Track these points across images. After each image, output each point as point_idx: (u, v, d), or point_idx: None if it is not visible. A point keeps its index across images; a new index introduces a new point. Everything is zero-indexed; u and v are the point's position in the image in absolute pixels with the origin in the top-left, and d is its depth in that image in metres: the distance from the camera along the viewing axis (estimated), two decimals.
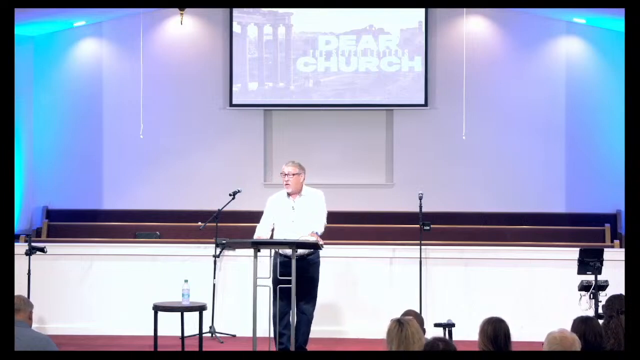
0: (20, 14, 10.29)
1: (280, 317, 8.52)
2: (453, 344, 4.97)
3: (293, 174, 8.67)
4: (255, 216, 9.23)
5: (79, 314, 10.39)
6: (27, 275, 9.58)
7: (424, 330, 5.78)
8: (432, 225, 9.87)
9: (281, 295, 8.46)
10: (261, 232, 8.72)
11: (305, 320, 8.64)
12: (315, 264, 8.69)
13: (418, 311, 8.64)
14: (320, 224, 8.67)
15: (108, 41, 13.74)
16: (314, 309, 8.76)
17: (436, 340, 4.86)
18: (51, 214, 13.66)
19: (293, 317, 8.38)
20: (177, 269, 10.17)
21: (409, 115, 13.54)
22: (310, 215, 8.67)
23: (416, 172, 13.40)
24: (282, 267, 8.48)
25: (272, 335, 8.56)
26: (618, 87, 12.80)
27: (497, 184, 13.39)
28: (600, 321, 6.33)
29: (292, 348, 8.32)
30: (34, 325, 9.72)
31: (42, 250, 9.73)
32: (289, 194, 8.75)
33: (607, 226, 12.76)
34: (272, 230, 8.79)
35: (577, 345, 5.12)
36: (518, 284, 10.16)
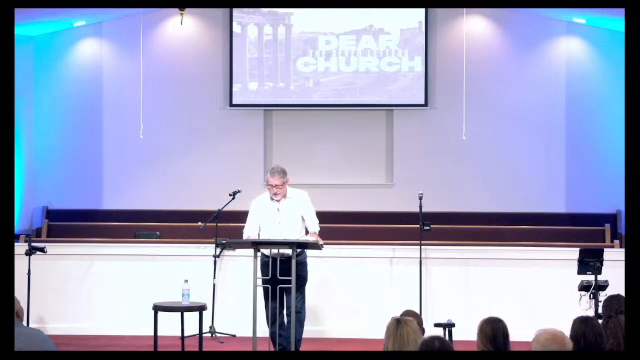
0: (20, 14, 10.30)
1: (273, 319, 8.53)
2: (450, 343, 4.97)
3: (282, 185, 8.65)
4: None
5: (79, 314, 10.40)
6: (27, 275, 9.58)
7: (423, 330, 5.78)
8: (432, 225, 9.88)
9: (272, 296, 8.48)
10: (249, 233, 8.73)
11: (299, 320, 8.64)
12: (303, 264, 8.70)
13: (418, 311, 8.66)
14: (317, 224, 8.71)
15: (108, 41, 13.74)
16: (304, 310, 8.79)
17: (433, 338, 4.86)
18: (51, 214, 13.66)
19: (293, 317, 8.39)
20: (177, 269, 10.17)
21: (409, 115, 13.54)
22: (297, 217, 8.68)
23: (416, 172, 13.40)
24: (265, 267, 8.49)
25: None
26: (618, 87, 12.80)
27: (497, 184, 13.39)
28: (599, 321, 6.33)
29: (292, 347, 8.32)
30: (35, 325, 9.75)
31: (42, 250, 9.73)
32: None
33: (607, 226, 12.77)
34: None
35: (568, 341, 5.13)
36: (518, 284, 10.16)
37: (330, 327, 10.25)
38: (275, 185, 8.63)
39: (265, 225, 8.72)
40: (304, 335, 8.83)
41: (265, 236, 8.66)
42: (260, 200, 8.83)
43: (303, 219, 8.74)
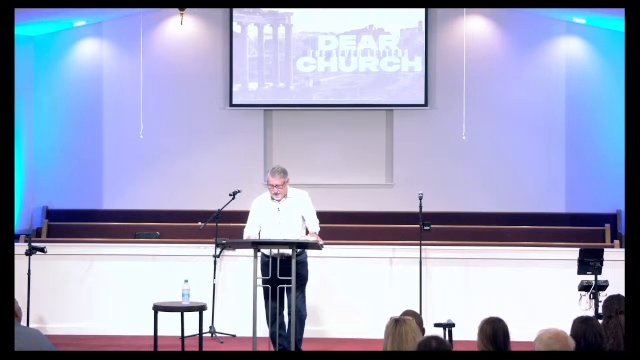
0: (20, 14, 10.29)
1: (273, 319, 8.53)
2: (447, 342, 4.96)
3: (282, 185, 8.65)
4: None
5: (79, 314, 10.39)
6: (27, 275, 9.58)
7: (423, 330, 5.78)
8: (432, 225, 9.87)
9: (272, 296, 8.48)
10: (250, 233, 8.74)
11: (300, 320, 8.65)
12: (304, 263, 8.70)
13: (418, 311, 8.65)
14: (317, 224, 8.72)
15: (108, 41, 13.74)
16: (305, 309, 8.80)
17: (430, 338, 4.85)
18: (51, 214, 13.66)
19: (293, 317, 8.39)
20: (177, 269, 10.17)
21: (409, 115, 13.54)
22: (297, 217, 8.69)
23: (416, 172, 13.40)
24: (265, 267, 8.49)
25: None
26: (618, 87, 12.80)
27: (497, 184, 13.39)
28: (599, 321, 6.33)
29: (292, 347, 8.32)
30: (35, 325, 9.75)
31: (42, 250, 9.73)
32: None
33: (607, 226, 12.76)
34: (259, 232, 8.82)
35: (571, 340, 5.13)
36: (518, 284, 10.16)
37: (330, 327, 10.25)
38: (276, 185, 8.64)
39: (265, 225, 8.73)
40: (304, 335, 8.83)
41: (265, 236, 8.67)
42: (260, 200, 8.84)
43: (303, 219, 8.74)
